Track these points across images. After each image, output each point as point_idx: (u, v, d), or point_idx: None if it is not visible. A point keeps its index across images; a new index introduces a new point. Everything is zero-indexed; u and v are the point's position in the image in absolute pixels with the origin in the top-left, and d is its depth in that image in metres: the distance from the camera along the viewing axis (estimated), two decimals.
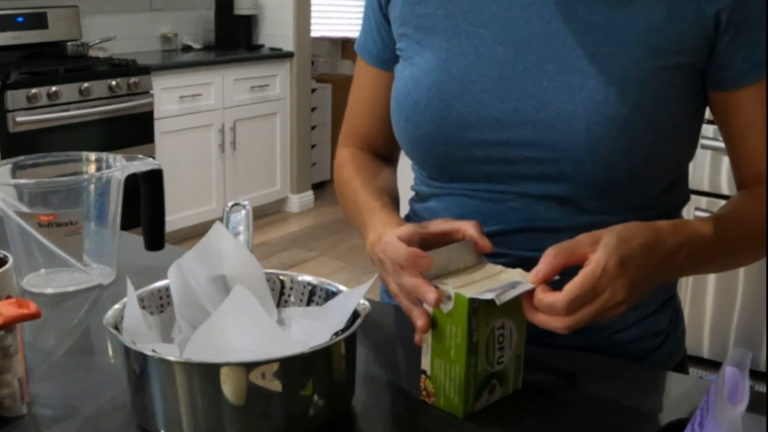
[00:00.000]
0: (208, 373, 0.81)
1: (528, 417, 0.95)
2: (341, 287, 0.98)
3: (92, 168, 1.39)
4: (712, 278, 3.23)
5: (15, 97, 4.02)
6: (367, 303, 0.92)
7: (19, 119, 4.03)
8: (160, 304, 0.99)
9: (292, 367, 0.83)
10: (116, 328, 0.89)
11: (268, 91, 5.30)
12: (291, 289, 1.02)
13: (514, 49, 1.07)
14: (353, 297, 0.92)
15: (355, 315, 0.91)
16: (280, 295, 1.03)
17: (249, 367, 0.81)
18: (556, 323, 0.89)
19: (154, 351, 0.83)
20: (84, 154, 1.38)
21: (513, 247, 1.11)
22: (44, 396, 0.99)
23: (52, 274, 1.34)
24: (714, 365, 3.23)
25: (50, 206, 1.28)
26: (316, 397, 0.85)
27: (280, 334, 0.84)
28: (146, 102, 4.59)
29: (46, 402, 0.98)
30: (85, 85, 4.29)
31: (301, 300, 1.01)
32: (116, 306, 0.93)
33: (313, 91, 5.89)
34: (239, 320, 0.84)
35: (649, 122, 1.02)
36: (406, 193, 1.27)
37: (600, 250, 0.89)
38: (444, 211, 1.16)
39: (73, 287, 1.32)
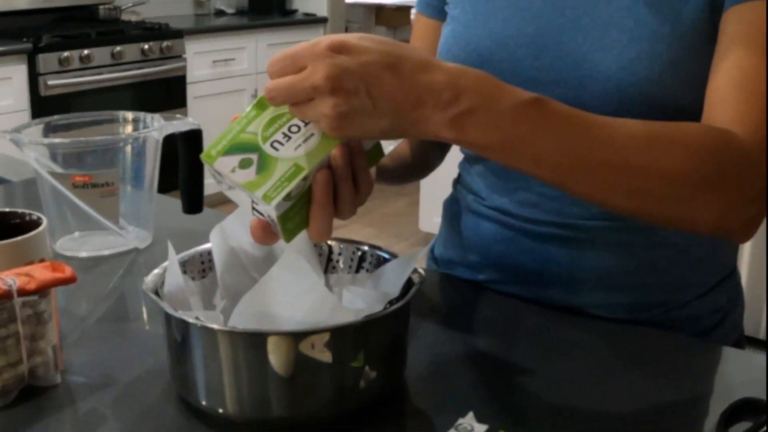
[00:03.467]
0: (255, 343, 0.76)
1: (585, 394, 0.89)
2: (392, 252, 0.93)
3: (129, 128, 1.33)
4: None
5: (47, 61, 3.99)
6: (421, 271, 0.86)
7: (50, 83, 4.01)
8: (201, 269, 0.93)
9: (344, 337, 0.77)
10: (156, 293, 0.83)
11: None
12: (339, 254, 0.96)
13: (551, 3, 1.02)
14: (407, 264, 0.86)
15: (409, 283, 0.85)
16: (328, 261, 0.97)
17: (298, 337, 0.75)
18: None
19: (197, 319, 0.78)
20: (120, 113, 1.33)
21: (546, 209, 1.07)
22: (78, 364, 0.94)
23: (86, 237, 1.29)
24: None
25: (85, 167, 1.23)
26: (367, 368, 0.79)
27: (331, 302, 0.78)
28: (179, 66, 4.55)
29: (81, 370, 0.93)
30: (118, 48, 4.25)
31: (350, 267, 0.96)
32: (156, 270, 0.87)
33: None
34: (288, 286, 0.78)
35: (685, 81, 0.95)
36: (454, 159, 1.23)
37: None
38: (488, 174, 1.12)
39: (108, 251, 1.27)
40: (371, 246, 0.96)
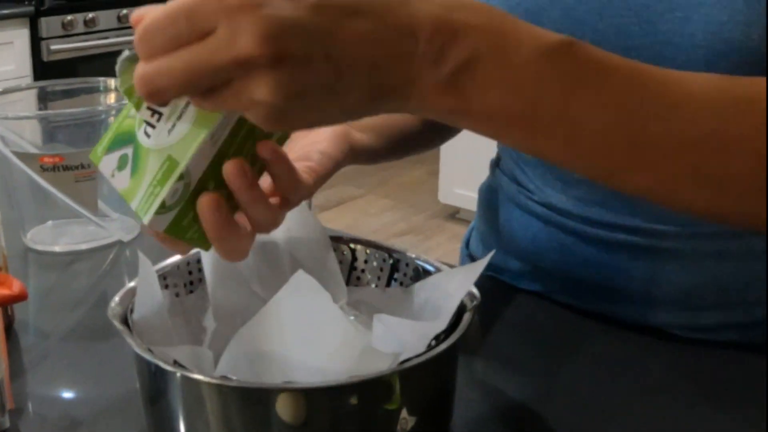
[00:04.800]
0: (255, 399, 0.55)
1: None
2: (436, 263, 0.72)
3: (112, 98, 1.12)
4: None
5: (49, 24, 3.83)
6: (475, 291, 0.65)
7: (54, 47, 3.86)
8: (189, 281, 0.73)
9: (376, 392, 0.56)
10: (126, 322, 0.63)
11: None
12: (365, 262, 0.76)
13: None
14: (460, 282, 0.65)
15: (460, 308, 0.64)
16: (351, 269, 0.76)
17: (315, 394, 0.55)
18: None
19: (176, 364, 0.57)
20: (101, 80, 1.12)
21: (616, 209, 0.85)
22: (36, 399, 0.74)
23: (62, 228, 1.09)
24: None
25: (57, 145, 1.04)
26: (401, 427, 0.59)
27: (359, 342, 0.57)
28: None
29: (38, 408, 0.73)
30: (124, 11, 4.06)
31: (378, 279, 0.75)
32: (129, 285, 0.67)
33: None
34: (300, 318, 0.58)
35: None
36: None
37: None
38: (537, 161, 0.91)
39: (87, 244, 1.07)
40: (406, 251, 0.75)
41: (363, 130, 0.85)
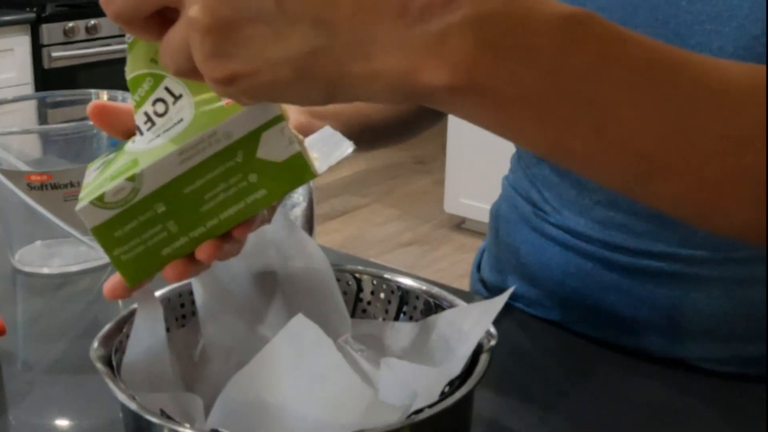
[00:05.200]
0: None
1: None
2: (449, 297, 0.66)
3: None
4: None
5: (51, 31, 3.81)
6: (493, 330, 0.60)
7: (55, 54, 3.83)
8: (181, 314, 0.67)
9: None
10: (109, 363, 0.57)
11: None
12: (372, 293, 0.70)
13: None
14: (473, 320, 0.59)
15: (476, 348, 0.58)
16: (356, 300, 0.70)
17: None
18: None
19: (163, 415, 0.52)
20: (93, 92, 1.06)
21: (640, 233, 0.79)
22: None
23: (52, 248, 1.03)
24: None
25: (51, 158, 0.98)
26: None
27: (365, 396, 0.52)
28: None
29: None
30: None
31: (386, 310, 0.69)
32: (110, 325, 0.61)
33: None
34: (300, 368, 0.52)
35: None
36: None
37: None
38: (554, 179, 0.85)
39: (78, 266, 1.01)
40: (418, 279, 0.69)
41: (324, 117, 0.78)
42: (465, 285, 1.08)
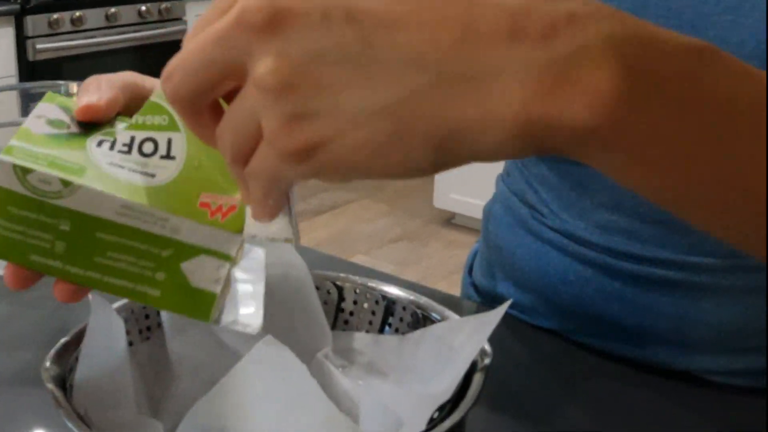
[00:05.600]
0: None
1: None
2: (438, 308, 0.60)
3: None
4: None
5: (35, 23, 3.73)
6: (487, 346, 0.54)
7: (39, 46, 3.75)
8: (146, 326, 0.62)
9: None
10: (62, 384, 0.52)
11: None
12: (354, 303, 0.64)
13: None
14: (466, 335, 0.54)
15: (470, 368, 0.53)
16: (337, 310, 0.65)
17: None
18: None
19: None
20: (63, 84, 1.00)
21: (645, 239, 0.74)
22: None
23: None
24: None
25: None
26: None
27: (341, 424, 0.46)
28: (178, 29, 4.24)
29: None
30: (112, 10, 3.97)
31: (370, 322, 0.64)
32: (64, 340, 0.56)
33: None
34: (268, 395, 0.47)
35: None
36: None
37: None
38: (553, 180, 0.80)
39: None
40: (405, 288, 0.63)
41: None
42: (455, 282, 1.02)
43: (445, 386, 0.49)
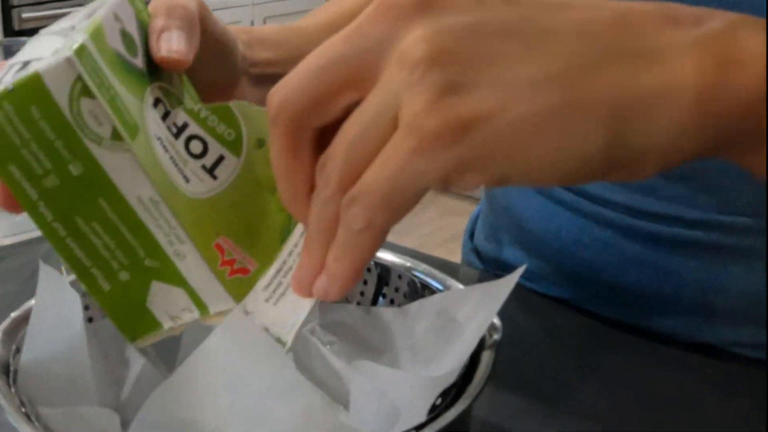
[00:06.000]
0: None
1: None
2: (440, 276, 0.53)
3: None
4: None
5: None
6: (496, 321, 0.47)
7: (25, 15, 3.71)
8: None
9: None
10: (8, 368, 0.45)
11: None
12: None
13: None
14: (472, 307, 0.47)
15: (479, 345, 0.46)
16: None
17: None
18: None
19: None
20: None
21: (669, 197, 0.67)
22: None
23: None
24: None
25: None
26: None
27: (325, 414, 0.39)
28: None
29: None
30: None
31: (361, 292, 0.57)
32: (15, 314, 0.49)
33: None
34: (239, 381, 0.40)
35: None
36: None
37: None
38: None
39: (11, 238, 0.89)
40: (401, 254, 0.56)
41: (264, 43, 0.64)
42: (451, 252, 0.95)
43: (448, 367, 0.42)
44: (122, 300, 0.42)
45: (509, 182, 0.32)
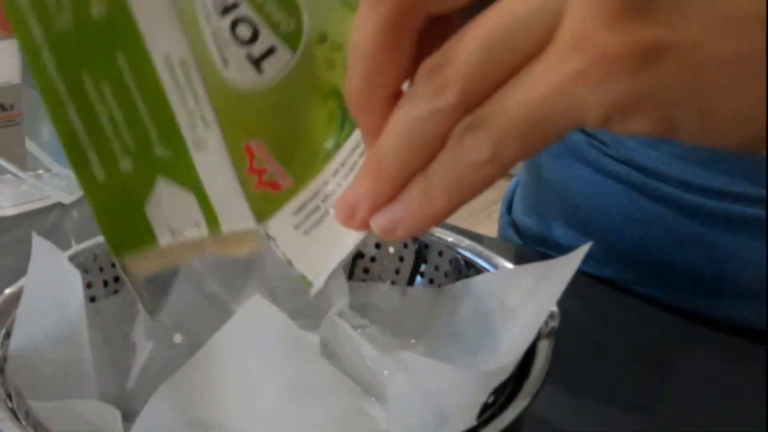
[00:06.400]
0: None
1: None
2: (487, 253, 0.47)
3: None
4: None
5: None
6: (553, 307, 0.41)
7: None
8: (113, 277, 0.49)
9: None
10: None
11: None
12: (377, 247, 0.51)
13: None
14: (525, 289, 0.41)
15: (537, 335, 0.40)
16: (355, 257, 0.52)
17: None
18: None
19: None
20: None
21: (732, 172, 0.61)
22: None
23: None
24: None
25: None
26: None
27: (359, 412, 0.33)
28: None
29: None
30: None
31: (397, 270, 0.51)
32: (9, 290, 0.43)
33: None
34: (259, 375, 0.34)
35: None
36: None
37: None
38: None
39: (15, 209, 0.82)
40: (442, 232, 0.50)
41: None
42: (479, 224, 0.88)
43: (503, 360, 0.36)
44: (116, 198, 0.33)
45: (676, 135, 0.25)
